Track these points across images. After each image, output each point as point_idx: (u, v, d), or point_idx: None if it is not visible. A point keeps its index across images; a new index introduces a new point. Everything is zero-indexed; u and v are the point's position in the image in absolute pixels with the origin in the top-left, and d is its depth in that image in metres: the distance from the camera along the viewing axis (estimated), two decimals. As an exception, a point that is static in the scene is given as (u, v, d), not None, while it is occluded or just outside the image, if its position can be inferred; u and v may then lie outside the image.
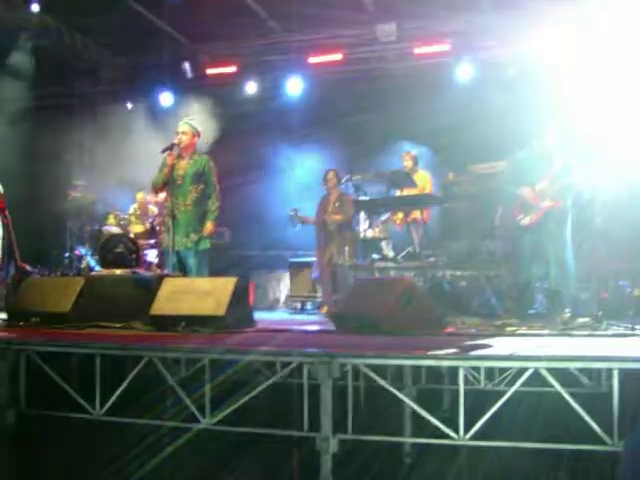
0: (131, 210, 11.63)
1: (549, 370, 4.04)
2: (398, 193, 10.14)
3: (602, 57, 10.87)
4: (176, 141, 7.99)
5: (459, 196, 9.72)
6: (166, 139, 8.25)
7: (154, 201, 11.06)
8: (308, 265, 11.26)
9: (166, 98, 14.26)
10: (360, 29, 12.89)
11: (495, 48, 12.42)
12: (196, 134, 8.13)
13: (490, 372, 5.73)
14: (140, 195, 11.57)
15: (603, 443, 3.87)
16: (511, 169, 7.54)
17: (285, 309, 12.08)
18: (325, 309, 10.12)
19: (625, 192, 8.00)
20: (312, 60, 13.26)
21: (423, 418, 4.28)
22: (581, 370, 4.94)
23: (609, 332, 6.03)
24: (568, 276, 7.18)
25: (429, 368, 5.43)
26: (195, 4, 11.69)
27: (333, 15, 12.16)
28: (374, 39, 12.84)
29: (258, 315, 7.16)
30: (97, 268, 10.79)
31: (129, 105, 14.60)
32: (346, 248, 9.54)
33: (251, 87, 13.67)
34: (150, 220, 11.28)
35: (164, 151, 7.96)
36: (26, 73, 11.47)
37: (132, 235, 10.98)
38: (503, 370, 5.64)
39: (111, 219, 11.50)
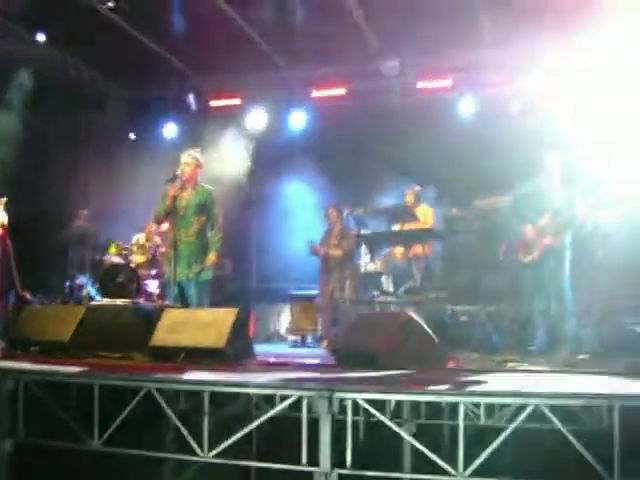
0: (133, 240, 11.64)
1: (550, 407, 4.02)
2: (399, 227, 10.15)
3: (603, 91, 10.95)
4: (179, 172, 8.01)
5: (461, 231, 9.74)
6: (170, 170, 8.28)
7: (158, 231, 11.06)
8: (309, 298, 11.23)
9: (170, 129, 14.34)
10: (363, 64, 12.98)
11: (497, 83, 12.50)
12: (199, 165, 8.15)
13: (490, 408, 5.70)
14: (149, 224, 11.60)
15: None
16: (513, 205, 7.56)
17: (285, 342, 12.05)
18: (325, 343, 10.08)
19: (627, 225, 8.01)
20: (315, 94, 13.34)
21: (422, 454, 4.25)
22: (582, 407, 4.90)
23: (610, 369, 6.00)
24: (568, 312, 7.17)
25: (429, 403, 5.41)
26: (200, 37, 11.79)
27: (337, 50, 12.26)
28: (377, 74, 12.93)
29: (258, 347, 7.14)
30: (98, 297, 10.78)
31: (132, 136, 14.68)
32: (347, 282, 9.54)
33: (254, 120, 13.74)
34: (152, 250, 11.29)
35: (167, 182, 7.99)
36: (30, 104, 11.48)
37: (133, 265, 10.99)
38: (503, 406, 5.61)
39: (113, 249, 11.52)
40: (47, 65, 12.56)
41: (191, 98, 13.96)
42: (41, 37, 11.58)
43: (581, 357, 6.86)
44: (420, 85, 12.76)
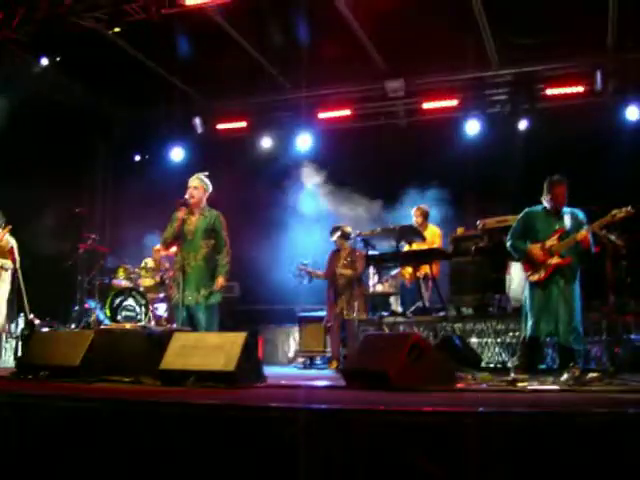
0: (142, 264, 11.67)
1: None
2: (407, 248, 10.16)
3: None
4: (187, 196, 8.04)
5: (469, 250, 9.73)
6: (177, 193, 8.32)
7: (166, 254, 11.08)
8: (317, 319, 11.23)
9: (177, 153, 14.42)
10: (369, 85, 13.06)
11: (503, 102, 12.57)
12: (207, 190, 8.18)
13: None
14: (157, 248, 11.62)
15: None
16: (521, 224, 7.56)
17: (294, 364, 12.03)
18: (334, 364, 10.08)
19: (637, 245, 8.00)
20: (322, 116, 13.41)
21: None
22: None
23: (621, 387, 5.98)
24: (577, 331, 7.15)
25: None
26: (206, 60, 11.87)
27: (342, 71, 12.33)
28: (383, 95, 13.00)
29: (267, 370, 7.13)
30: (106, 322, 10.80)
31: (138, 157, 14.75)
32: (355, 303, 9.54)
33: (261, 142, 13.82)
34: (160, 274, 11.32)
35: (177, 206, 8.02)
36: (35, 128, 11.54)
37: (142, 289, 11.01)
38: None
39: (121, 272, 11.55)
40: (53, 89, 12.65)
41: (197, 121, 14.04)
42: (44, 61, 11.63)
43: (592, 375, 6.82)
44: (426, 106, 12.82)
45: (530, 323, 7.27)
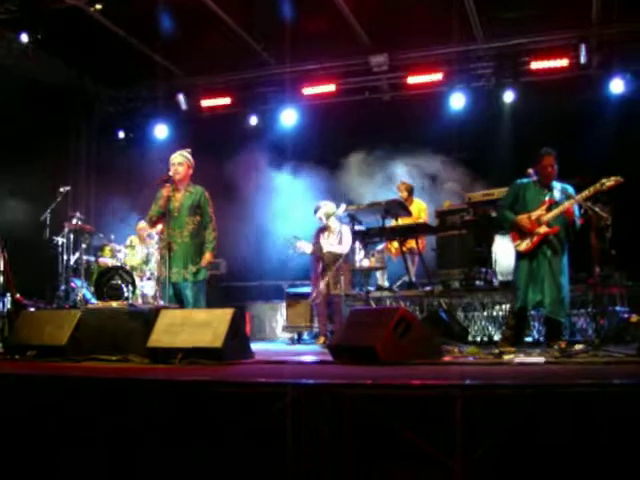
0: (127, 242, 11.63)
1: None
2: (393, 223, 10.17)
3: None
4: (171, 173, 8.01)
5: (455, 224, 9.76)
6: (161, 171, 8.28)
7: (151, 232, 11.03)
8: (304, 295, 11.24)
9: (161, 130, 14.34)
10: (353, 60, 13.00)
11: (488, 76, 12.54)
12: (191, 166, 8.15)
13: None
14: (140, 225, 11.57)
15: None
16: (510, 195, 7.57)
17: (281, 339, 12.06)
18: (322, 339, 10.09)
19: (623, 216, 8.04)
20: (306, 91, 13.36)
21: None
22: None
23: (606, 359, 6.03)
24: (564, 303, 7.18)
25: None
26: (189, 37, 11.79)
27: (327, 47, 12.28)
28: (367, 70, 12.96)
29: (254, 346, 7.15)
30: (93, 300, 10.77)
31: (122, 134, 14.64)
32: (342, 278, 9.54)
33: (245, 118, 13.76)
34: (146, 252, 11.28)
35: (159, 183, 7.99)
36: (18, 106, 11.42)
37: (128, 267, 10.98)
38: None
39: (107, 251, 11.50)
40: (35, 68, 12.53)
41: (181, 98, 13.95)
42: (24, 38, 11.50)
43: (578, 347, 6.88)
44: (411, 80, 12.77)
45: (518, 293, 7.29)
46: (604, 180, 7.00)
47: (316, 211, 10.55)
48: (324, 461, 4.25)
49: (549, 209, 7.23)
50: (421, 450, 4.21)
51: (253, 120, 13.81)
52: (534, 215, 7.26)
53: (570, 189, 7.30)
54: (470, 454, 4.08)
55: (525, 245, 7.28)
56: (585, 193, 7.09)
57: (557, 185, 7.34)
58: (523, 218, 7.30)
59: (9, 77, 11.50)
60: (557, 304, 7.12)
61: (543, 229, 7.19)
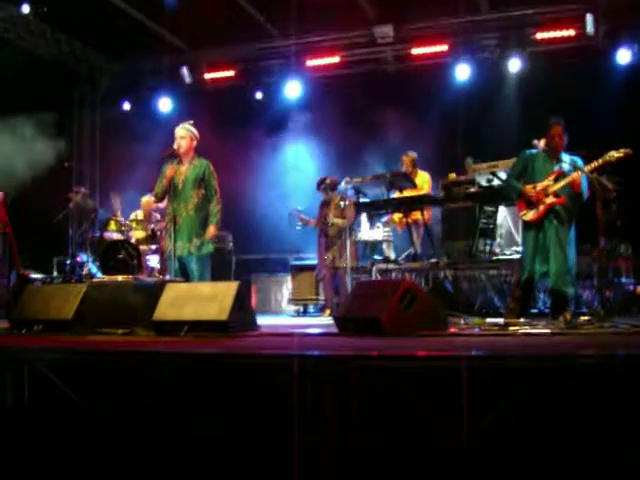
0: (132, 216, 11.62)
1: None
2: (398, 194, 10.15)
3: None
4: (175, 146, 7.99)
5: (460, 196, 9.73)
6: (165, 144, 8.26)
7: (156, 206, 11.02)
8: (309, 268, 11.26)
9: (165, 103, 14.28)
10: (358, 31, 12.92)
11: (494, 46, 12.45)
12: (195, 138, 8.12)
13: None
14: (145, 199, 11.56)
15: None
16: (519, 164, 7.53)
17: (287, 312, 12.09)
18: (327, 312, 10.12)
19: (630, 188, 8.00)
20: (310, 63, 13.28)
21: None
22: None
23: (611, 330, 6.03)
24: (570, 274, 7.17)
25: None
26: (192, 9, 11.71)
27: (331, 18, 12.19)
28: (372, 41, 12.88)
29: (260, 319, 7.16)
30: (98, 275, 10.79)
31: (126, 107, 14.57)
32: (347, 251, 9.53)
33: (250, 90, 13.70)
34: (152, 225, 11.28)
35: (164, 156, 7.98)
36: (21, 79, 11.36)
37: (133, 241, 10.98)
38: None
39: (112, 225, 11.48)
40: (39, 40, 12.48)
41: (185, 71, 13.88)
42: (26, 8, 11.42)
43: (583, 319, 6.87)
44: (415, 52, 12.69)
45: (526, 265, 7.28)
46: (613, 152, 6.95)
47: (320, 184, 10.53)
48: (329, 433, 4.26)
49: (557, 180, 7.20)
50: (427, 421, 4.22)
51: (258, 95, 13.76)
52: (541, 185, 7.23)
53: (579, 161, 7.26)
54: (476, 425, 4.09)
55: (531, 215, 7.25)
56: (593, 164, 7.05)
57: (566, 157, 7.30)
58: (530, 188, 7.28)
59: (11, 51, 11.45)
60: (562, 275, 7.10)
61: (550, 199, 7.16)
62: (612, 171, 7.42)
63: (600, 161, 7.00)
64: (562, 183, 7.13)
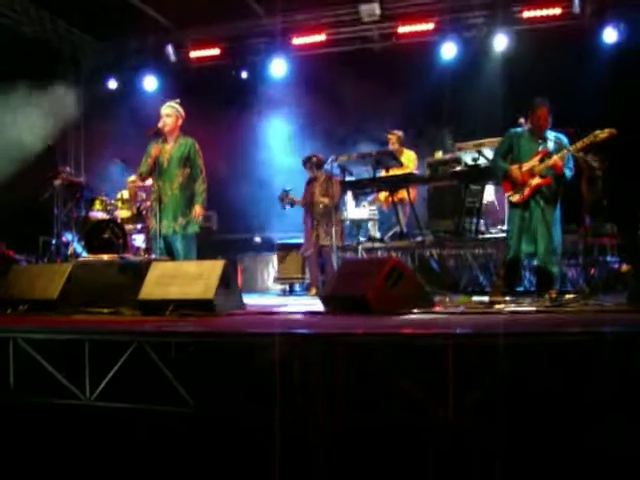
0: (118, 195, 11.57)
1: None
2: (384, 173, 10.14)
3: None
4: (161, 124, 7.95)
5: (446, 175, 9.74)
6: (151, 123, 8.21)
7: (142, 185, 10.96)
8: (295, 247, 11.24)
9: (150, 82, 14.19)
10: (344, 9, 12.84)
11: (481, 25, 12.40)
12: (180, 117, 8.08)
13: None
14: (131, 179, 11.50)
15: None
16: (505, 144, 7.55)
17: (273, 291, 12.08)
18: (313, 290, 10.13)
19: (615, 166, 8.02)
20: (296, 41, 13.21)
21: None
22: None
23: (596, 308, 6.05)
24: (556, 253, 7.21)
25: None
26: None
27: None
28: (358, 19, 12.81)
29: (246, 298, 7.16)
30: (84, 254, 10.74)
31: (112, 85, 14.45)
32: (333, 229, 9.53)
33: (235, 69, 13.62)
34: (137, 205, 11.23)
35: (150, 135, 7.94)
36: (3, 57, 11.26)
37: (119, 220, 10.94)
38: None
39: (97, 205, 11.42)
40: (22, 18, 12.37)
41: (170, 50, 13.78)
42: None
43: (569, 297, 6.90)
44: (401, 30, 12.63)
45: (511, 243, 7.32)
46: (597, 132, 6.96)
47: (305, 162, 10.51)
48: (315, 411, 4.27)
49: (542, 160, 7.22)
50: (413, 398, 4.24)
51: (243, 73, 13.68)
52: (527, 166, 7.25)
53: (564, 139, 7.28)
54: (461, 402, 4.11)
55: (518, 196, 7.29)
56: (578, 144, 7.06)
57: (551, 135, 7.31)
58: (515, 169, 7.30)
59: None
60: (549, 254, 7.15)
61: (536, 180, 7.18)
62: (598, 150, 7.45)
63: (586, 141, 7.02)
64: (547, 163, 7.15)
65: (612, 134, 6.91)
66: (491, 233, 9.55)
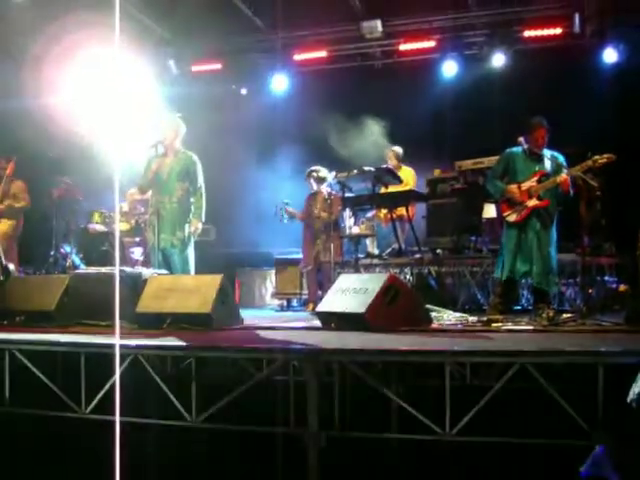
0: (117, 208, 11.56)
1: (534, 365, 4.05)
2: (383, 190, 10.14)
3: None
4: (160, 138, 7.96)
5: (445, 192, 9.75)
6: (153, 135, 8.21)
7: (140, 199, 10.96)
8: (294, 262, 11.23)
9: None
10: (345, 26, 12.88)
11: (481, 44, 12.45)
12: (180, 130, 8.09)
13: (476, 368, 5.74)
14: (131, 191, 11.49)
15: (588, 439, 3.88)
16: (501, 164, 7.56)
17: (271, 306, 12.06)
18: (311, 306, 10.10)
19: (614, 186, 8.03)
20: (297, 57, 13.24)
21: (410, 415, 4.27)
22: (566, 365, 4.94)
23: (594, 327, 6.05)
24: (552, 274, 7.22)
25: (415, 364, 5.43)
26: (180, 1, 11.65)
27: (318, 12, 12.15)
28: (359, 36, 12.84)
29: (244, 312, 7.15)
30: (82, 266, 10.73)
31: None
32: (332, 245, 9.52)
33: (236, 83, 13.66)
34: (136, 218, 11.22)
35: (150, 148, 7.94)
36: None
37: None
38: (489, 366, 5.64)
39: (96, 217, 11.43)
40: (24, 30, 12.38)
41: (171, 63, 13.81)
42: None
43: (566, 316, 6.90)
44: (403, 47, 12.67)
45: (506, 264, 7.31)
46: (596, 157, 6.97)
47: (308, 175, 10.52)
48: (312, 425, 4.26)
49: (540, 181, 7.23)
50: (409, 414, 4.23)
51: (244, 89, 13.72)
52: (525, 186, 7.27)
53: (560, 157, 7.30)
54: (458, 419, 4.11)
55: (515, 216, 7.30)
56: (577, 169, 7.08)
57: (547, 153, 7.33)
58: (513, 189, 7.31)
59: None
60: (545, 275, 7.17)
61: (533, 202, 7.21)
62: (597, 171, 7.45)
63: (584, 165, 7.03)
64: (546, 184, 7.18)
65: (611, 159, 6.92)
66: (490, 251, 9.54)
